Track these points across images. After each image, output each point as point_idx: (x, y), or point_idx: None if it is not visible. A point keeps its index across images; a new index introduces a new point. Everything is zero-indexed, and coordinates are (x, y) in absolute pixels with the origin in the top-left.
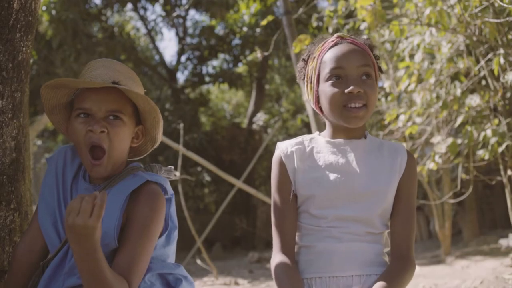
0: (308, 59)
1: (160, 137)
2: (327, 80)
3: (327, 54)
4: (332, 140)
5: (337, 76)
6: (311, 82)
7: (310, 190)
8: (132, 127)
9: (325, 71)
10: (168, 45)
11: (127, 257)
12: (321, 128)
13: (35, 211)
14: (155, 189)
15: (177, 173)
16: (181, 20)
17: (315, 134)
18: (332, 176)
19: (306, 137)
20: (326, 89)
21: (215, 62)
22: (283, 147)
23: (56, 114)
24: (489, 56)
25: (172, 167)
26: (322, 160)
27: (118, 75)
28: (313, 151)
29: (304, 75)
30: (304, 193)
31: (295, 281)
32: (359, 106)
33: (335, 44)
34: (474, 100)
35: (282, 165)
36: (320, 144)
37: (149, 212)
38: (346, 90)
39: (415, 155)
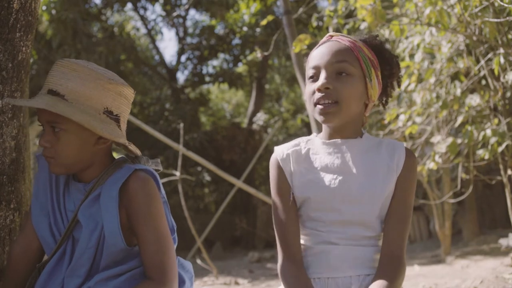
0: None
1: (117, 136)
2: (308, 78)
3: (312, 54)
4: (328, 141)
5: (314, 74)
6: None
7: (307, 192)
8: (83, 131)
9: (307, 70)
10: (168, 45)
11: (153, 255)
12: (320, 127)
13: (28, 211)
14: (143, 175)
15: (177, 173)
16: (181, 20)
17: (312, 135)
18: (328, 177)
19: (302, 139)
20: (306, 87)
21: (215, 62)
22: (279, 151)
23: None
24: (489, 55)
25: (159, 159)
26: (318, 162)
27: (59, 79)
28: (309, 152)
29: None
30: (301, 195)
31: (304, 283)
32: (328, 103)
33: (323, 43)
34: (474, 100)
35: (279, 168)
36: (317, 146)
37: (144, 198)
38: (315, 88)
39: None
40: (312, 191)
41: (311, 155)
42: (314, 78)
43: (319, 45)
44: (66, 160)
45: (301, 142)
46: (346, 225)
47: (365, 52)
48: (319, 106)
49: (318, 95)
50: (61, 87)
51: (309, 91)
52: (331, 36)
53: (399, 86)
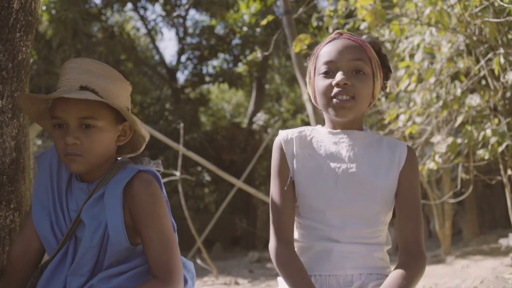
0: (311, 57)
1: (146, 132)
2: (320, 73)
3: (323, 49)
4: (334, 130)
5: (329, 69)
6: (309, 78)
7: (309, 179)
8: (112, 128)
9: (319, 65)
10: (168, 45)
11: (158, 255)
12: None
13: (29, 211)
14: (146, 176)
15: (177, 173)
16: (181, 20)
17: (318, 126)
18: (333, 165)
19: (308, 128)
20: (318, 81)
21: (215, 62)
22: (283, 134)
23: (43, 120)
24: (489, 55)
25: (160, 160)
26: (322, 149)
27: (89, 76)
28: (314, 140)
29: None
30: (303, 181)
31: (298, 267)
32: (346, 99)
33: (333, 40)
34: (474, 100)
35: (281, 150)
36: (322, 134)
37: (149, 199)
38: (333, 82)
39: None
40: (315, 178)
41: (316, 142)
42: (330, 73)
43: (329, 41)
44: (93, 158)
45: (306, 130)
46: (346, 217)
47: (373, 53)
48: (335, 100)
49: (335, 89)
50: (92, 84)
51: (324, 85)
52: (340, 34)
53: (385, 88)
